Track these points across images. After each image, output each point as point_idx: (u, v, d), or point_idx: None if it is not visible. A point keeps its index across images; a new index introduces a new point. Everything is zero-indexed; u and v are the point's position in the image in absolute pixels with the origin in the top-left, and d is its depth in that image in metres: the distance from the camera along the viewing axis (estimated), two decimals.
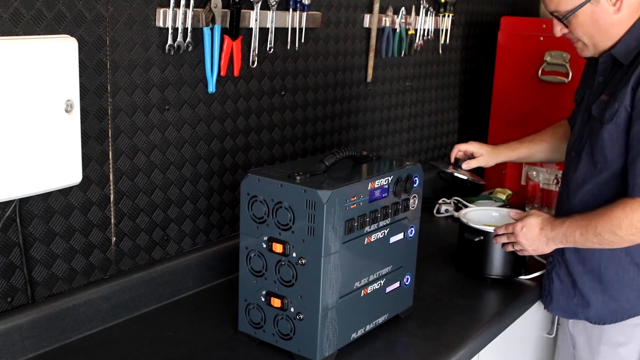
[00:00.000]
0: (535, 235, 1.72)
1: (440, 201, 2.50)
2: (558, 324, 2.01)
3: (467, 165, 1.96)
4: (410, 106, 2.61)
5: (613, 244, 1.61)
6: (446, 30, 2.64)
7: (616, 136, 1.61)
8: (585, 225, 1.62)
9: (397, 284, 1.61)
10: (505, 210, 2.03)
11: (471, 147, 1.99)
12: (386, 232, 1.52)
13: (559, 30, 1.69)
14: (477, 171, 2.82)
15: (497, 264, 1.90)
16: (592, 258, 1.73)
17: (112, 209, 1.57)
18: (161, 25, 1.57)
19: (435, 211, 2.43)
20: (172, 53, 1.60)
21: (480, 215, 2.06)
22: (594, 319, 1.77)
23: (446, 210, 2.41)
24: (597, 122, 1.66)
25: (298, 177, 1.39)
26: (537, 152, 2.03)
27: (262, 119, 1.92)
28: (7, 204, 1.35)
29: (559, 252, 1.79)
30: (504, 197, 2.53)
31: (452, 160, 1.99)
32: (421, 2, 2.44)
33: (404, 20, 2.36)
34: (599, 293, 1.74)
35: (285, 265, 1.41)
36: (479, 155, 1.98)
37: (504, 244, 1.82)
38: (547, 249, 1.73)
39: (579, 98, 1.85)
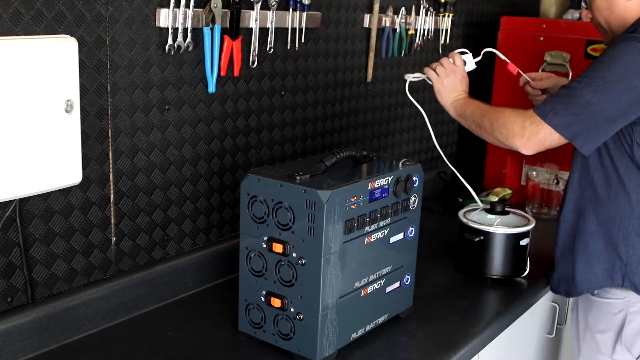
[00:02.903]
0: (444, 99, 1.87)
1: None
2: (558, 324, 2.01)
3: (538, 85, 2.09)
4: (410, 106, 2.61)
5: (481, 131, 1.76)
6: (446, 30, 2.64)
7: None
8: (482, 115, 1.76)
9: (397, 284, 1.61)
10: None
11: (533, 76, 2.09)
12: (386, 232, 1.53)
13: (585, 14, 1.81)
14: (476, 169, 2.83)
15: (497, 264, 1.90)
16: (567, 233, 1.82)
17: (112, 209, 1.57)
18: (161, 25, 1.57)
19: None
20: (172, 53, 1.60)
21: (481, 215, 2.06)
22: (594, 285, 1.79)
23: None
24: None
25: (298, 177, 1.39)
26: None
27: (262, 119, 1.92)
28: (7, 204, 1.35)
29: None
30: (496, 198, 2.52)
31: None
32: (421, 2, 2.44)
33: (404, 20, 2.36)
34: (594, 260, 1.77)
35: (285, 265, 1.41)
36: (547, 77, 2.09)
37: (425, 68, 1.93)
38: (444, 99, 1.87)
39: None
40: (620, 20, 1.70)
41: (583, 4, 1.81)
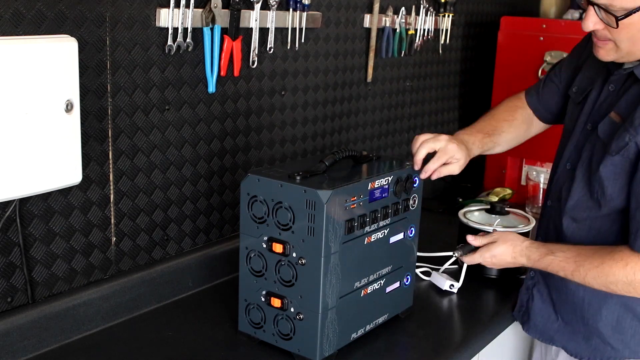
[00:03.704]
0: (505, 264, 1.64)
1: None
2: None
3: (438, 173, 1.60)
4: (410, 106, 2.61)
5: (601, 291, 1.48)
6: (446, 30, 2.64)
7: (621, 169, 1.44)
8: (572, 270, 1.48)
9: (397, 284, 1.61)
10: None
11: (438, 144, 1.60)
12: (386, 232, 1.53)
13: (592, 24, 1.41)
14: (476, 169, 2.82)
15: None
16: (576, 291, 1.58)
17: (112, 209, 1.57)
18: (161, 25, 1.57)
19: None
20: (172, 53, 1.60)
21: (481, 215, 2.06)
22: (572, 351, 1.62)
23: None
24: (600, 144, 1.48)
25: (298, 177, 1.39)
26: (498, 144, 1.79)
27: (262, 119, 1.92)
28: (7, 204, 1.35)
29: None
30: (496, 198, 2.52)
31: (419, 162, 1.58)
32: (421, 2, 2.44)
33: (404, 20, 2.36)
34: (580, 325, 1.60)
35: (285, 265, 1.41)
36: (456, 161, 1.62)
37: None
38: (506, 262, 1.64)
39: (580, 96, 1.61)
40: None
41: (600, 14, 1.39)
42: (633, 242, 1.40)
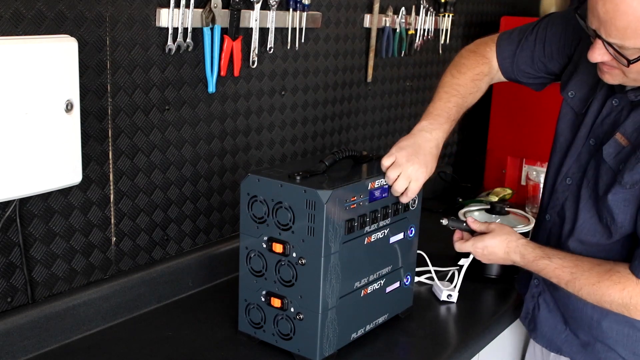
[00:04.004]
0: (497, 259, 1.58)
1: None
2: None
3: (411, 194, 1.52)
4: (410, 106, 2.62)
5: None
6: (446, 30, 2.64)
7: (632, 200, 1.37)
8: (566, 281, 1.44)
9: (397, 284, 1.61)
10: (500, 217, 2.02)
11: (397, 169, 1.50)
12: (386, 232, 1.53)
13: (600, 57, 1.28)
14: (476, 169, 2.83)
15: (497, 264, 1.90)
16: (582, 303, 1.50)
17: (112, 209, 1.57)
18: (161, 25, 1.57)
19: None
20: (172, 53, 1.60)
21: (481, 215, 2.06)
22: None
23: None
24: (606, 168, 1.41)
25: (298, 177, 1.39)
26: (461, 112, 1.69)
27: (262, 119, 1.92)
28: (7, 204, 1.35)
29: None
30: (496, 198, 2.52)
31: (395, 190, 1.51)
32: (421, 2, 2.44)
33: (404, 20, 2.37)
34: (589, 337, 1.55)
35: (285, 265, 1.41)
36: (415, 180, 1.52)
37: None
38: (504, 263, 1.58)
39: (581, 105, 1.53)
40: None
41: (609, 49, 1.25)
42: (635, 267, 1.36)
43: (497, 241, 1.58)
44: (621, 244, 1.44)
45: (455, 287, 1.79)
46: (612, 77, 1.34)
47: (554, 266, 1.46)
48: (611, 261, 1.43)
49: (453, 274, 1.84)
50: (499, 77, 1.74)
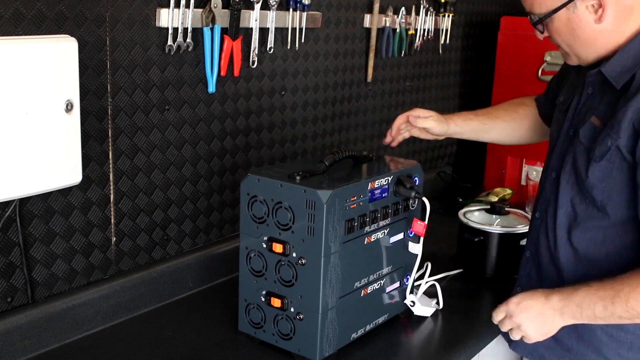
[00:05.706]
0: (539, 312, 1.42)
1: None
2: None
3: (415, 122, 1.75)
4: (410, 106, 2.61)
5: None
6: (446, 30, 2.64)
7: (608, 174, 1.38)
8: (612, 297, 1.33)
9: (397, 284, 1.61)
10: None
11: (415, 112, 1.77)
12: (386, 232, 1.53)
13: (538, 33, 1.49)
14: (476, 169, 2.81)
15: (497, 264, 1.90)
16: None
17: (112, 209, 1.57)
18: (161, 25, 1.57)
19: None
20: (172, 53, 1.60)
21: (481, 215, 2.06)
22: None
23: None
24: (582, 149, 1.43)
25: (298, 177, 1.39)
26: (492, 129, 1.80)
27: (262, 119, 1.92)
28: (7, 204, 1.35)
29: (532, 278, 1.59)
30: (496, 198, 2.52)
31: (394, 132, 1.79)
32: (421, 2, 2.44)
33: (404, 20, 2.36)
34: (574, 342, 1.51)
35: (285, 265, 1.41)
36: (429, 116, 1.75)
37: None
38: (556, 328, 1.43)
39: (565, 104, 1.56)
40: (588, 46, 1.41)
41: (538, 27, 1.48)
42: None
43: (529, 323, 1.45)
44: (625, 230, 1.41)
45: (416, 294, 1.68)
46: (565, 57, 1.50)
47: (594, 289, 1.37)
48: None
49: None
50: (541, 124, 1.82)
